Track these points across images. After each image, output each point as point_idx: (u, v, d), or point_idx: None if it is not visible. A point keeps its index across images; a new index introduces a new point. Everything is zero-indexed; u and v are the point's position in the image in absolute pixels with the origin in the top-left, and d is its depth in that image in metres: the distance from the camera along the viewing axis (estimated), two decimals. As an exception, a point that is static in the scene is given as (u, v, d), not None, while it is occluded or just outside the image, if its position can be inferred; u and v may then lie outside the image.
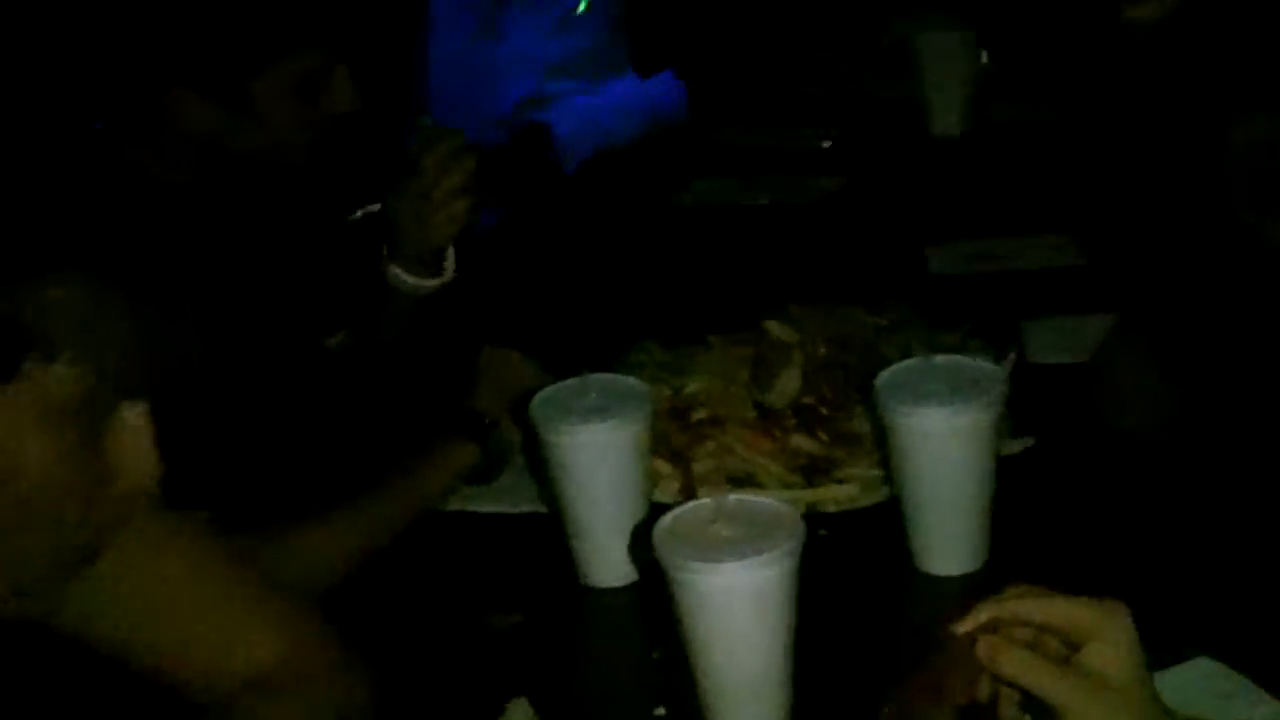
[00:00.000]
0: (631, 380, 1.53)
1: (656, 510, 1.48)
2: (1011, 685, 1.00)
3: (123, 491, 1.01)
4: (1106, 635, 0.98)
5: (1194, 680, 1.23)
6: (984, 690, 1.01)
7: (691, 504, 1.27)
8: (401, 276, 1.77)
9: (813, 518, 1.53)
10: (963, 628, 1.00)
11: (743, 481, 1.58)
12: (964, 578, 1.45)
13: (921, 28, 2.63)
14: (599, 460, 1.45)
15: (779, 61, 2.82)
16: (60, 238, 0.97)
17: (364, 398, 1.82)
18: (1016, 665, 0.99)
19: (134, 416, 1.00)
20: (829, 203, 2.39)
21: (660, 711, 1.30)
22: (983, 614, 1.00)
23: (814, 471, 1.58)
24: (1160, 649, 1.03)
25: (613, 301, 2.08)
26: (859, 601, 1.43)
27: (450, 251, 1.79)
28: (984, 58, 2.58)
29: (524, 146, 2.63)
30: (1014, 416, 1.58)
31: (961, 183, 2.40)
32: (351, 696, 1.24)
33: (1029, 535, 1.47)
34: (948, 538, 1.45)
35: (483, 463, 1.63)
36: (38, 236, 0.96)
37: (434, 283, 1.78)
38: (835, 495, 1.56)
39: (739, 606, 1.21)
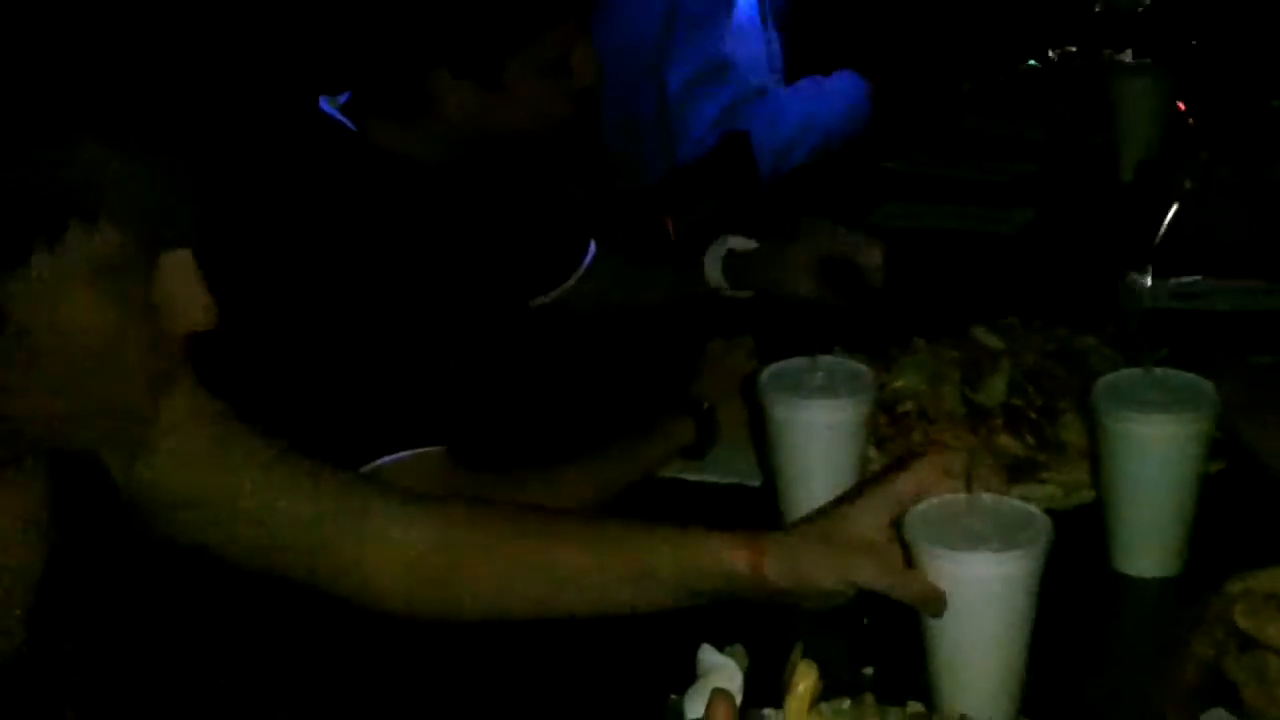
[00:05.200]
0: (858, 364, 1.59)
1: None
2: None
3: (178, 329, 1.08)
4: None
5: None
6: None
7: (945, 497, 1.29)
8: None
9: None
10: None
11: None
12: (1162, 581, 1.50)
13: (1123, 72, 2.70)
14: (821, 437, 1.52)
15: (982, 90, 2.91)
16: (92, 100, 1.01)
17: (568, 359, 1.92)
18: None
19: (176, 261, 1.06)
20: (1025, 235, 2.46)
21: (869, 670, 1.36)
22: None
23: (1017, 471, 1.63)
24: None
25: (809, 310, 2.13)
26: (1053, 600, 1.49)
27: None
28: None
29: (726, 155, 2.73)
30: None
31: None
32: None
33: (1225, 547, 1.52)
34: (1153, 542, 1.50)
35: (695, 440, 1.72)
36: (71, 98, 1.00)
37: None
38: (1036, 495, 1.60)
39: (984, 595, 1.25)
